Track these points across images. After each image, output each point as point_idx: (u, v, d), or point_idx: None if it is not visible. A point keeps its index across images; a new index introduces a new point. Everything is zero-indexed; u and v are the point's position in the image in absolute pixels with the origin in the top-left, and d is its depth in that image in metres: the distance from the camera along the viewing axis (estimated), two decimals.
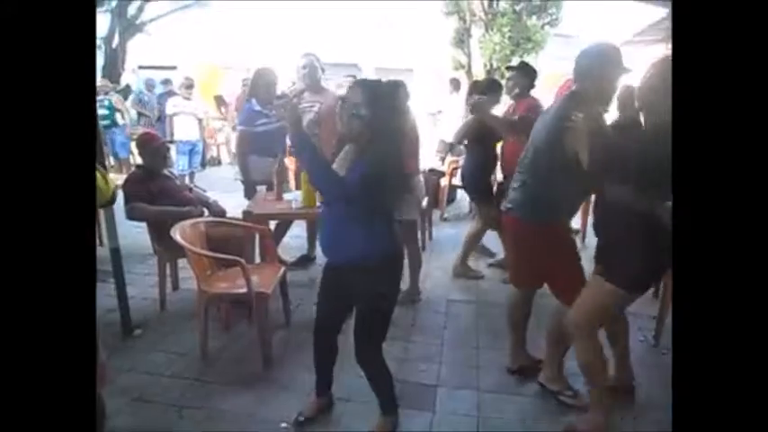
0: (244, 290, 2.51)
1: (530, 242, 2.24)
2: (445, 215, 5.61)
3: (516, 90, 3.56)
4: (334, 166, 1.82)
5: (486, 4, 14.66)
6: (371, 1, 18.28)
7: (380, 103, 1.74)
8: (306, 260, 4.07)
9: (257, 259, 3.18)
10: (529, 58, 15.24)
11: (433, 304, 3.42)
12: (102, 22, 10.26)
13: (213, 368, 2.62)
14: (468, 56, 15.16)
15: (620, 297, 1.91)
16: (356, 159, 1.78)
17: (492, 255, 4.24)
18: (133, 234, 3.59)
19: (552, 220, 2.18)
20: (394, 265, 1.91)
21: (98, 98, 6.89)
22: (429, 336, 2.99)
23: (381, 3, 18.54)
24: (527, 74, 3.59)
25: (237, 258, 2.57)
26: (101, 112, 6.86)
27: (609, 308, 1.99)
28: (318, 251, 3.09)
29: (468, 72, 14.24)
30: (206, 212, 3.37)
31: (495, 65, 14.85)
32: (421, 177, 3.54)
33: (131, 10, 10.58)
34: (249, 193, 3.74)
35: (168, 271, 3.36)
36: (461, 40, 15.35)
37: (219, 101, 9.45)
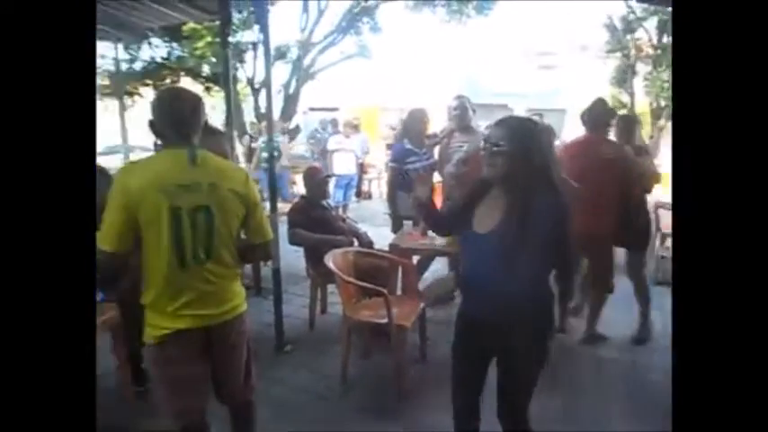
0: (385, 320, 2.60)
1: None
2: None
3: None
4: (482, 209, 1.72)
5: (654, 38, 13.58)
6: (532, 45, 18.16)
7: (524, 140, 1.62)
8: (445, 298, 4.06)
9: (399, 292, 3.28)
10: None
11: (582, 358, 3.15)
12: (283, 71, 11.81)
13: (351, 393, 2.74)
14: (631, 95, 14.10)
15: None
16: (511, 206, 1.64)
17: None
18: (292, 257, 3.96)
19: None
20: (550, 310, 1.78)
21: (267, 138, 7.58)
22: (575, 392, 2.74)
23: (542, 47, 18.32)
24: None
25: (381, 289, 2.68)
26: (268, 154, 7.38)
27: None
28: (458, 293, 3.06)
29: (631, 111, 13.21)
30: (356, 242, 3.59)
31: (662, 103, 13.56)
32: None
33: (307, 61, 11.99)
34: (396, 227, 3.90)
35: (318, 294, 3.63)
36: (623, 78, 14.37)
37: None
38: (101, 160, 7.81)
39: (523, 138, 1.63)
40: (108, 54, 10.17)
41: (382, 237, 3.98)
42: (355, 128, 8.23)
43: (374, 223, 5.49)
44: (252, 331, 1.86)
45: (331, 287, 3.58)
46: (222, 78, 5.92)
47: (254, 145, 7.79)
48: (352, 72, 14.26)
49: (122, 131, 6.54)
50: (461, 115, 3.79)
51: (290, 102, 11.96)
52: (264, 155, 7.10)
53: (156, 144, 1.66)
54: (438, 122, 4.31)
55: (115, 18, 4.99)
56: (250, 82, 11.77)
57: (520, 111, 15.50)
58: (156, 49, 11.73)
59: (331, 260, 2.82)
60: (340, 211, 6.91)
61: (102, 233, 1.52)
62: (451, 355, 1.88)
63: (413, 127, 3.95)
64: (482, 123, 4.42)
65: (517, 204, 1.61)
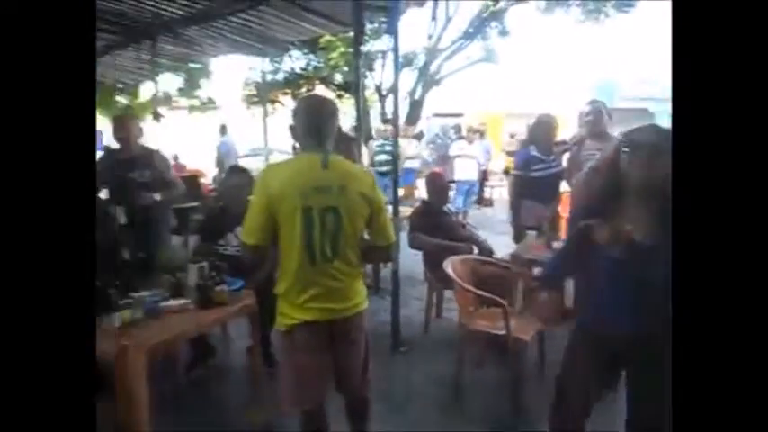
0: (502, 332, 2.53)
1: None
2: None
3: None
4: (614, 222, 1.59)
5: None
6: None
7: (666, 149, 1.40)
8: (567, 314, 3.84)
9: (518, 304, 3.17)
10: None
11: None
12: (410, 77, 12.08)
13: (464, 400, 2.71)
14: None
15: None
16: (647, 220, 1.53)
17: None
18: (411, 261, 4.03)
19: None
20: None
21: (382, 143, 7.44)
22: None
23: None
24: None
25: (500, 300, 2.61)
26: (383, 158, 7.22)
27: None
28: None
29: None
30: (475, 250, 3.54)
31: None
32: None
33: (433, 67, 12.14)
34: (518, 236, 3.77)
35: (435, 299, 3.65)
36: None
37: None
38: (245, 161, 8.70)
39: (665, 146, 1.47)
40: (256, 66, 11.34)
41: (503, 246, 3.88)
42: (480, 134, 8.14)
43: (494, 231, 5.37)
44: (369, 329, 1.93)
45: (448, 293, 3.58)
46: (353, 86, 6.24)
47: (369, 147, 8.04)
48: (477, 77, 14.12)
49: (264, 136, 7.20)
50: (594, 121, 3.54)
51: (416, 107, 12.19)
52: (379, 158, 7.33)
53: (294, 147, 1.82)
54: (570, 129, 4.09)
55: (262, 33, 5.53)
56: (378, 89, 12.23)
57: (662, 116, 14.07)
58: (295, 61, 12.75)
59: (450, 266, 2.82)
60: (460, 217, 6.87)
61: (245, 228, 1.70)
62: (562, 367, 1.81)
63: (540, 133, 3.80)
64: (618, 130, 4.09)
65: (654, 218, 1.50)
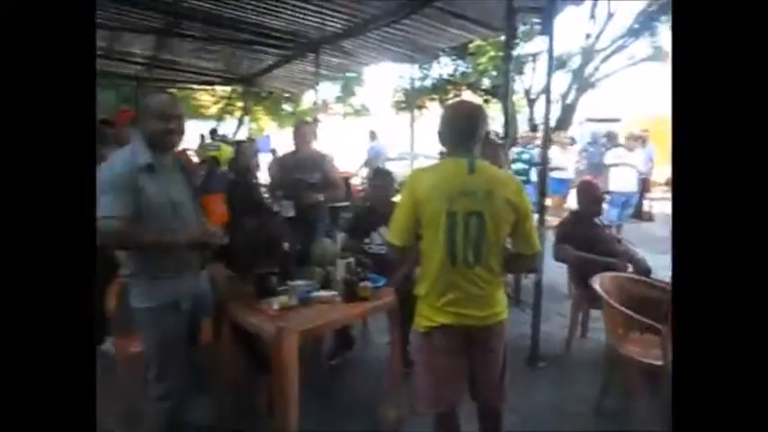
0: (659, 362, 2.27)
1: None
2: None
3: None
4: None
5: None
6: None
7: None
8: None
9: None
10: None
11: None
12: (564, 80, 11.44)
13: (604, 427, 2.49)
14: None
15: None
16: None
17: None
18: (554, 273, 3.81)
19: None
20: None
21: (521, 149, 7.04)
22: None
23: None
24: None
25: (658, 325, 2.34)
26: (519, 166, 6.81)
27: None
28: None
29: None
30: (630, 268, 3.23)
31: None
32: None
33: (589, 69, 11.33)
34: None
35: (580, 317, 3.41)
36: None
37: None
38: (391, 165, 9.06)
39: None
40: (405, 74, 11.75)
41: (662, 266, 3.46)
42: (641, 140, 7.38)
43: (654, 249, 4.81)
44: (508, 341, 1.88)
45: (594, 312, 3.32)
46: (502, 91, 6.12)
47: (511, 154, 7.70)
48: (640, 78, 12.84)
49: (411, 141, 7.43)
50: None
51: (567, 112, 11.50)
52: (516, 166, 6.90)
53: (441, 153, 1.86)
54: None
55: (415, 42, 5.71)
56: (527, 93, 11.80)
57: None
58: (443, 67, 12.91)
59: (599, 283, 2.61)
60: (614, 230, 6.30)
61: (391, 230, 1.78)
62: None
63: None
64: None
65: None
